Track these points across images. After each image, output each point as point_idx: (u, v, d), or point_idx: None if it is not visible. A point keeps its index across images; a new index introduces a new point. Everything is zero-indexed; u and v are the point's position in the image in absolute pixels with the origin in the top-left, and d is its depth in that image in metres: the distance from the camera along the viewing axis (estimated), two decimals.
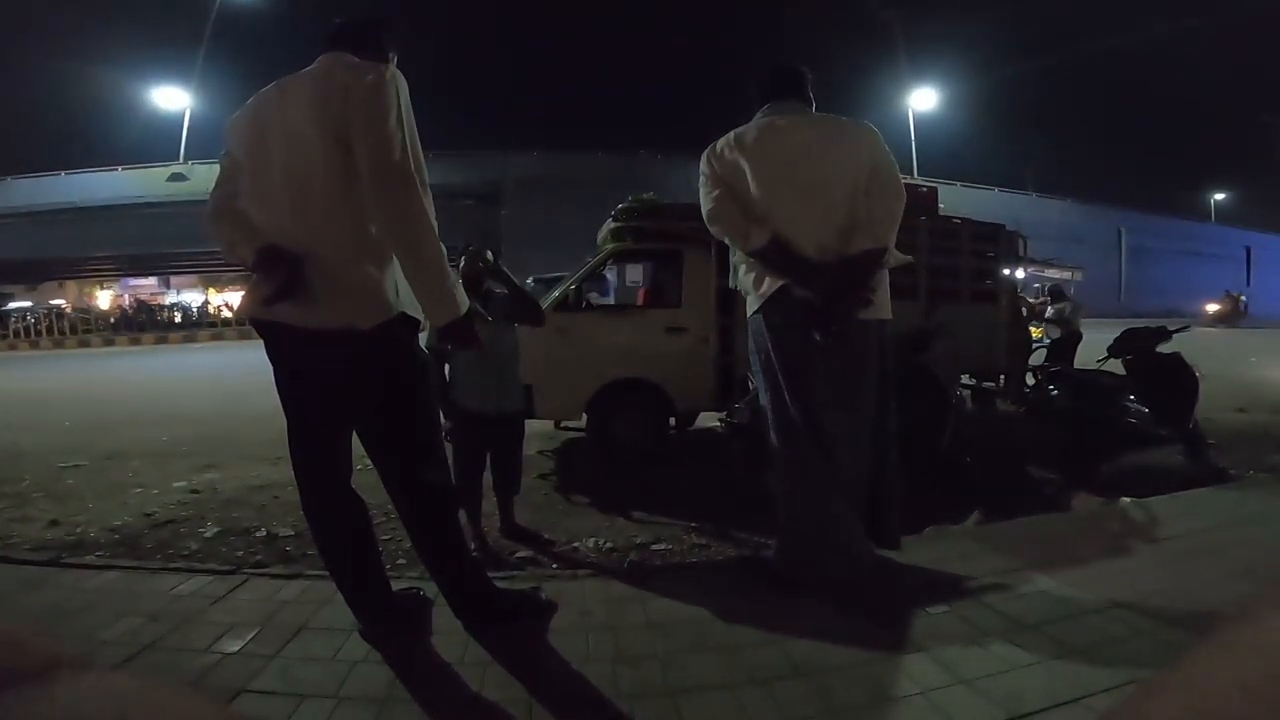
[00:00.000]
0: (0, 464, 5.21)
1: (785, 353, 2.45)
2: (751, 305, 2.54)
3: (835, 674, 1.91)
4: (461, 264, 3.24)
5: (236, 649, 2.08)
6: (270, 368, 2.08)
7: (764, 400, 2.58)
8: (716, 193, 2.51)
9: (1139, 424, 4.26)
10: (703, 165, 2.59)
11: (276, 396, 2.08)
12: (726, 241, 2.57)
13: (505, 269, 3.20)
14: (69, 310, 31.18)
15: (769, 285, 2.44)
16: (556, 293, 5.06)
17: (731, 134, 2.57)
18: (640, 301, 5.87)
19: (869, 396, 2.51)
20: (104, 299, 35.77)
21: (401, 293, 1.96)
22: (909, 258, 2.68)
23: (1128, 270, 39.43)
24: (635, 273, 6.38)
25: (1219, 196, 50.05)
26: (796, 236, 2.40)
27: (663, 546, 3.29)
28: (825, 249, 2.40)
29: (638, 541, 3.35)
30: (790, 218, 2.41)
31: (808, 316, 2.37)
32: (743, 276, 2.59)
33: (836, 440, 2.45)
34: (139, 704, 0.24)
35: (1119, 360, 4.94)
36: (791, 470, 2.50)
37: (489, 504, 3.33)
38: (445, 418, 3.07)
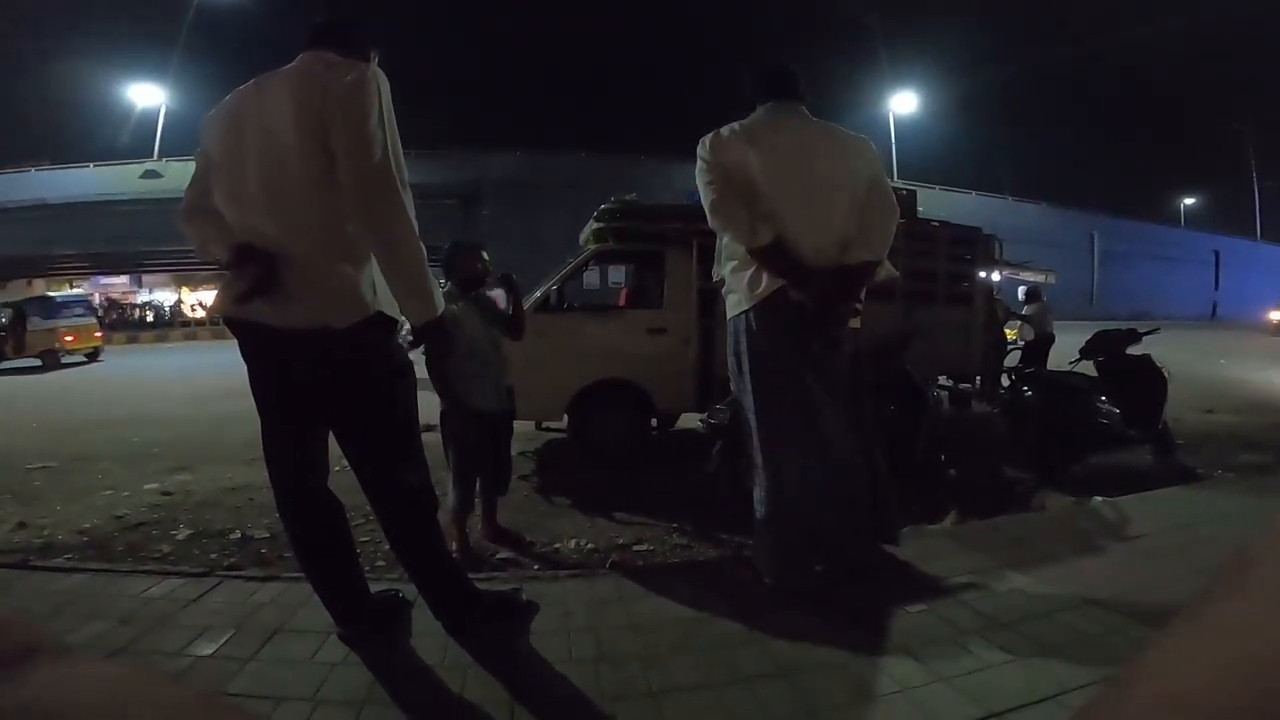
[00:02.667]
0: None
1: (776, 355, 2.44)
2: (740, 304, 2.50)
3: (816, 673, 1.93)
4: (454, 260, 3.21)
5: (210, 652, 2.05)
6: (244, 367, 2.04)
7: (746, 402, 2.55)
8: (720, 183, 2.45)
9: (1110, 424, 4.34)
10: (704, 152, 2.51)
11: (249, 397, 2.05)
12: (727, 234, 2.49)
13: (514, 278, 3.20)
14: None
15: (766, 286, 2.41)
16: (538, 293, 5.05)
17: (736, 124, 2.54)
18: (622, 302, 5.87)
19: (854, 398, 2.56)
20: None
21: (379, 292, 1.94)
22: (897, 273, 2.73)
23: (1100, 274, 40.16)
24: (617, 273, 6.37)
25: (1188, 201, 51.17)
26: (798, 239, 2.39)
27: (644, 547, 3.29)
28: (823, 255, 2.42)
29: (619, 542, 3.34)
30: (794, 219, 2.40)
31: (803, 320, 2.38)
32: (732, 274, 2.54)
33: (823, 442, 2.46)
34: (120, 689, 0.24)
35: (1091, 362, 5.04)
36: (773, 474, 2.49)
37: None
38: (458, 419, 3.03)
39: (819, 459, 2.46)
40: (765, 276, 2.41)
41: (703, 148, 2.52)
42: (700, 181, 2.51)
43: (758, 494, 2.55)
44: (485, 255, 3.26)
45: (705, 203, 2.49)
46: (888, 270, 2.58)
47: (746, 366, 2.50)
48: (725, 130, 2.52)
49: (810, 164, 2.46)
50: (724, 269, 2.61)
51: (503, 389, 3.25)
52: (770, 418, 2.48)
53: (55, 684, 0.23)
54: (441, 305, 1.94)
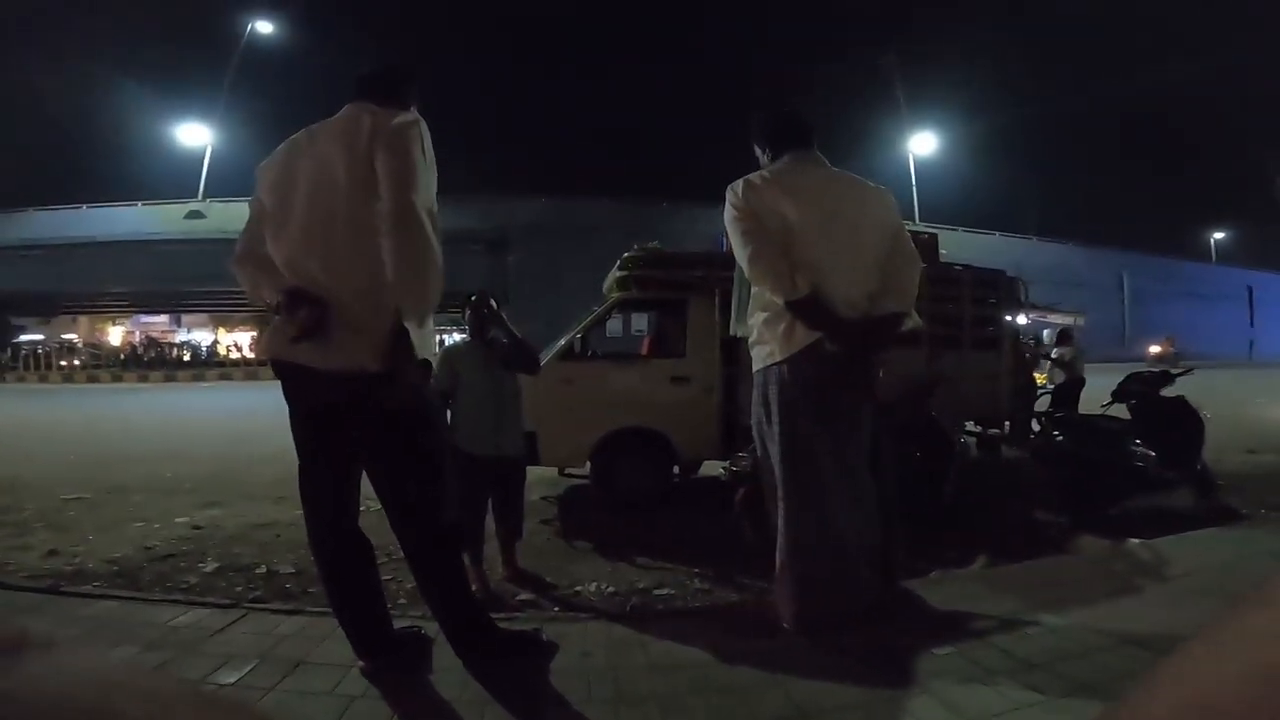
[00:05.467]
0: (2, 493, 5.23)
1: (809, 405, 2.42)
2: (773, 355, 2.47)
3: (838, 715, 1.88)
4: (466, 312, 3.30)
5: (233, 680, 2.07)
6: (280, 408, 2.11)
7: (772, 450, 2.52)
8: (757, 233, 2.43)
9: (1145, 467, 4.22)
10: (735, 199, 2.48)
11: (280, 437, 2.11)
12: (764, 285, 2.44)
13: (504, 315, 3.27)
14: (80, 345, 31.41)
15: (804, 337, 2.39)
16: (562, 342, 5.09)
17: (765, 172, 2.55)
18: (645, 351, 5.87)
19: (874, 446, 2.59)
20: (115, 335, 36.05)
21: (415, 336, 2.00)
22: (922, 323, 2.73)
23: (1130, 313, 39.41)
24: (640, 321, 6.39)
25: (1219, 236, 50.17)
26: (832, 290, 2.39)
27: (665, 591, 3.24)
28: (853, 306, 2.42)
29: (640, 586, 3.30)
30: (828, 271, 2.39)
31: (838, 372, 2.38)
32: (764, 325, 2.51)
33: (847, 489, 2.46)
34: (106, 681, 0.24)
35: (1124, 405, 4.94)
36: (796, 520, 2.47)
37: (491, 547, 3.30)
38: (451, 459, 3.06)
39: (843, 505, 2.45)
40: (800, 327, 2.40)
41: (734, 195, 2.50)
42: (734, 230, 2.49)
43: (779, 539, 2.53)
44: (493, 303, 3.32)
45: (742, 253, 2.46)
46: (914, 321, 2.57)
47: (777, 417, 2.48)
48: (755, 177, 2.52)
49: (840, 214, 2.46)
50: (751, 319, 2.59)
51: (509, 435, 3.28)
52: (797, 466, 2.46)
53: (44, 675, 0.23)
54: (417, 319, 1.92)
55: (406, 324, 1.89)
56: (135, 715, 0.23)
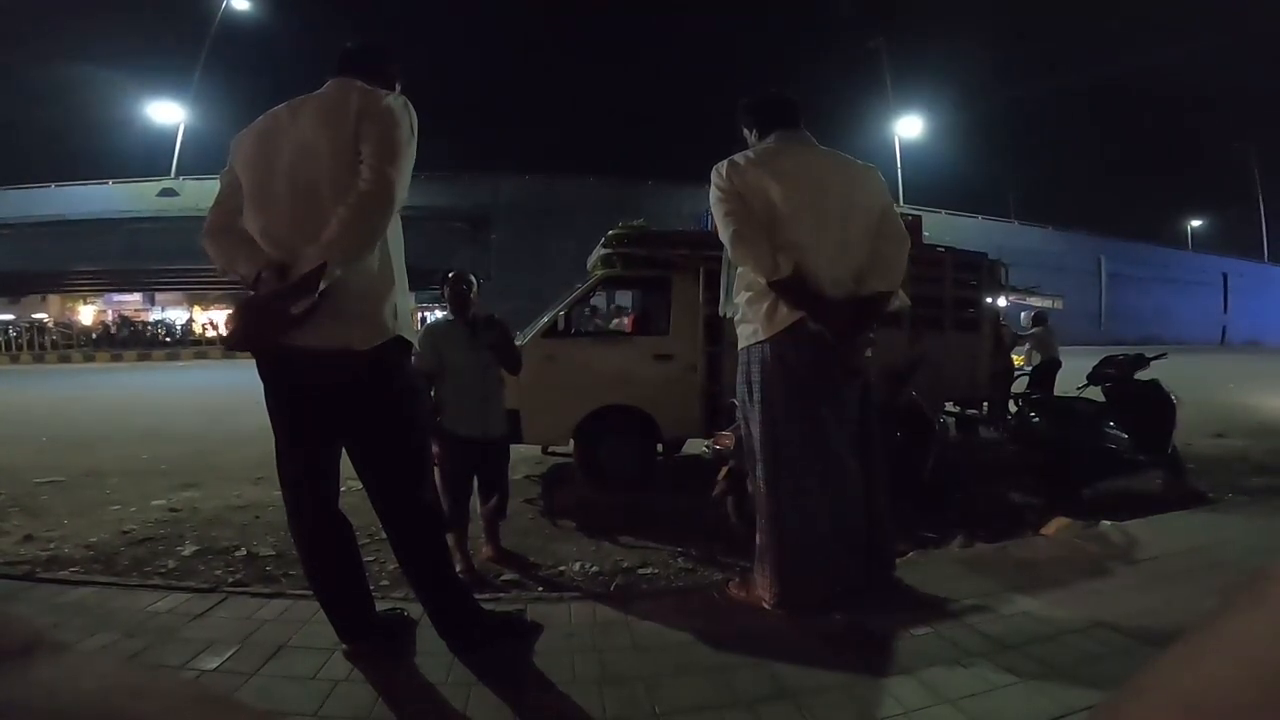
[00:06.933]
0: None
1: (792, 384, 2.43)
2: (756, 334, 2.48)
3: (820, 695, 1.91)
4: (445, 290, 3.27)
5: (214, 666, 2.06)
6: (257, 387, 2.06)
7: (754, 430, 2.53)
8: (740, 213, 2.43)
9: (1118, 449, 4.32)
10: (719, 180, 2.49)
11: (258, 417, 2.07)
12: (747, 265, 2.45)
13: (499, 318, 3.27)
14: (51, 325, 30.73)
15: (786, 316, 2.39)
16: (545, 319, 5.07)
17: (750, 152, 2.54)
18: (628, 328, 5.87)
19: (863, 426, 2.58)
20: (87, 314, 35.29)
21: (399, 316, 1.98)
22: (909, 302, 2.72)
23: (1107, 298, 40.02)
24: (624, 299, 6.38)
25: (1195, 223, 51.02)
26: (816, 270, 2.38)
27: (649, 571, 3.28)
28: (839, 285, 2.42)
29: (624, 566, 3.33)
30: (812, 249, 2.38)
31: (822, 351, 2.38)
32: (748, 304, 2.51)
33: (829, 469, 2.47)
34: (117, 684, 0.24)
35: (1098, 387, 5.02)
36: (776, 499, 2.48)
37: (475, 527, 3.31)
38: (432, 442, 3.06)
39: (824, 486, 2.46)
40: (783, 307, 2.40)
41: (718, 175, 2.50)
42: (718, 211, 2.49)
43: (760, 518, 2.55)
44: (472, 280, 3.32)
45: (725, 234, 2.46)
46: (901, 300, 2.58)
47: (759, 395, 2.49)
48: (740, 158, 2.51)
49: (826, 193, 2.45)
50: (736, 299, 2.59)
51: (493, 415, 3.28)
52: (778, 445, 2.47)
53: (55, 678, 0.23)
54: (331, 273, 1.79)
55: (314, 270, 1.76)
56: (145, 718, 0.23)
